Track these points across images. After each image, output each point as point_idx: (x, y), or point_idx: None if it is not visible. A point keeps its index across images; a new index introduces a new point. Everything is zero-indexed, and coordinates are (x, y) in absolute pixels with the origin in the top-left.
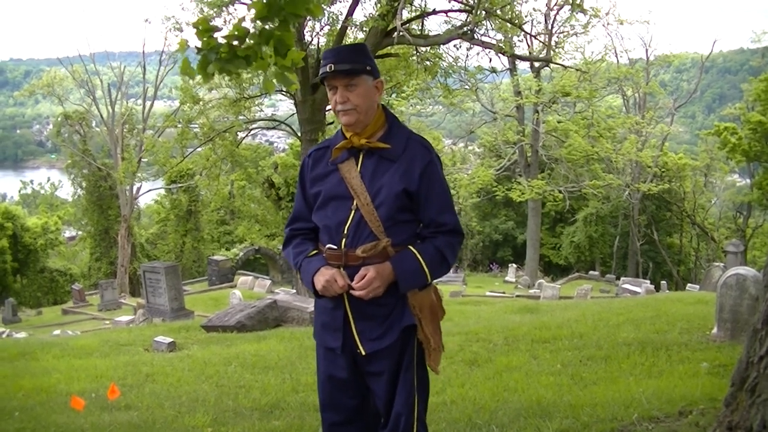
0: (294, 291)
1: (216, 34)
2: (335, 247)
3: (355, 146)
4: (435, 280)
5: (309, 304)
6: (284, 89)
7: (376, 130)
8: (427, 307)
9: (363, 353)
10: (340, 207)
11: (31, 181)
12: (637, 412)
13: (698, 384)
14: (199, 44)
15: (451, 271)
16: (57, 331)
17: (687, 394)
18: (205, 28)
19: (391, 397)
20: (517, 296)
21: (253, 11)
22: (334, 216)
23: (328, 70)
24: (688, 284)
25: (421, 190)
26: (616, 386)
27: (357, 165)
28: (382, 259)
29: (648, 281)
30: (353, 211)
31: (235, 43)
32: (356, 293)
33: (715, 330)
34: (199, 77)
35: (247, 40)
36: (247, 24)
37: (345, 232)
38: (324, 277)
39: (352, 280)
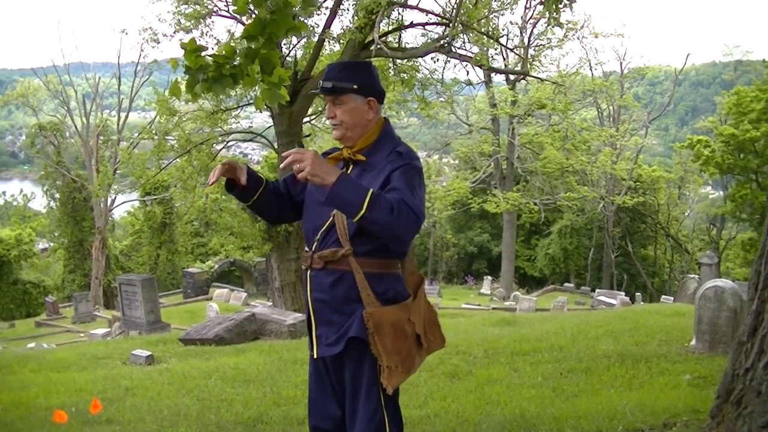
0: (270, 303)
1: (204, 53)
2: (307, 250)
3: (345, 157)
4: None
5: (287, 317)
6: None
7: (367, 143)
8: (387, 324)
9: (314, 356)
10: (323, 213)
11: (4, 193)
12: (621, 425)
13: (680, 396)
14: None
15: (426, 283)
16: (31, 344)
17: (669, 406)
18: (192, 48)
19: (352, 413)
20: (494, 308)
21: (237, 30)
22: (314, 220)
23: (318, 85)
24: (663, 296)
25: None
26: (598, 398)
27: None
28: (342, 267)
29: (623, 293)
30: (330, 218)
31: (222, 62)
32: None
33: (693, 342)
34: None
35: (234, 59)
36: (233, 44)
37: (318, 236)
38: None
39: (317, 284)
